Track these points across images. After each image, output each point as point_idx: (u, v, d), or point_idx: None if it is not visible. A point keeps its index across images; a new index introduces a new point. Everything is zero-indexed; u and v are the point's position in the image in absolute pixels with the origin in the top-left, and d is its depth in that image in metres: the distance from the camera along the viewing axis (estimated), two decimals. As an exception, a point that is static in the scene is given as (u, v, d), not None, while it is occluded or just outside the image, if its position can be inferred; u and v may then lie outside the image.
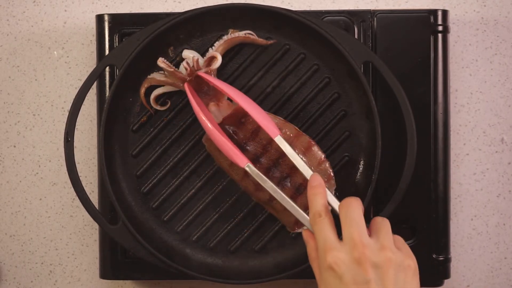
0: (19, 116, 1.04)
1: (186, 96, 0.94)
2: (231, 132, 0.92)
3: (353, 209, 0.80)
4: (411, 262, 0.78)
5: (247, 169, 0.87)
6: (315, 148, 0.92)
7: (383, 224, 0.81)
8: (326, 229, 0.80)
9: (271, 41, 0.95)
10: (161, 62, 0.93)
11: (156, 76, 0.94)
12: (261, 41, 0.94)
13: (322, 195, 0.83)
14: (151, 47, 0.93)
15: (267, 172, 0.91)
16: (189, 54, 0.94)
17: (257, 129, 0.91)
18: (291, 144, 0.90)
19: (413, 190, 0.92)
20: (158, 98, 0.95)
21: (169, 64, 0.93)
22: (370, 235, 0.79)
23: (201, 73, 0.92)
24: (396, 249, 0.78)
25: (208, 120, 0.89)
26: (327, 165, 0.92)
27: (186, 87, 0.91)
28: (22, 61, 1.04)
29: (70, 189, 0.94)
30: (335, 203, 0.84)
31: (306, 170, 0.87)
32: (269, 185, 0.87)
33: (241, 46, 0.95)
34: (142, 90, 0.94)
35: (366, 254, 0.76)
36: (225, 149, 0.88)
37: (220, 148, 0.89)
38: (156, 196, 0.96)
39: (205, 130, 0.90)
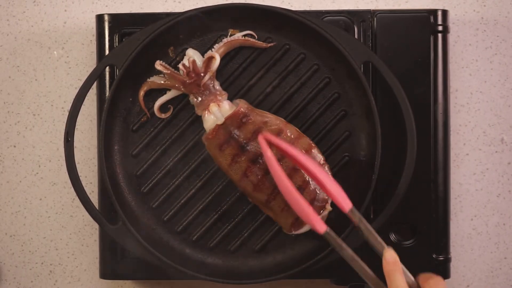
0: (19, 116, 1.04)
1: (186, 97, 0.94)
2: (232, 132, 0.92)
3: None
4: None
5: (325, 236, 0.83)
6: (315, 151, 0.92)
7: None
8: None
9: (271, 44, 0.95)
10: (159, 65, 0.93)
11: (156, 79, 0.94)
12: (260, 44, 0.94)
13: (400, 272, 0.81)
14: (151, 47, 0.93)
15: (266, 173, 0.91)
16: (192, 54, 0.94)
17: (258, 130, 0.91)
18: (292, 145, 0.90)
19: (413, 190, 0.92)
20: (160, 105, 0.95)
21: (167, 66, 0.93)
22: None
23: (268, 136, 0.85)
24: None
25: (287, 179, 0.83)
26: (326, 168, 0.92)
27: (261, 139, 0.84)
28: (22, 61, 1.04)
29: (70, 189, 0.94)
30: (408, 276, 0.82)
31: (379, 243, 0.83)
32: (346, 253, 0.83)
33: (241, 46, 0.95)
34: (141, 93, 0.94)
35: None
36: (305, 213, 0.83)
37: (298, 211, 0.83)
38: (156, 196, 0.96)
39: (280, 188, 0.83)
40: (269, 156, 0.83)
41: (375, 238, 0.83)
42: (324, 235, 0.83)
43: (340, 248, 0.83)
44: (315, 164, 0.84)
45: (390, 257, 0.82)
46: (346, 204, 0.83)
